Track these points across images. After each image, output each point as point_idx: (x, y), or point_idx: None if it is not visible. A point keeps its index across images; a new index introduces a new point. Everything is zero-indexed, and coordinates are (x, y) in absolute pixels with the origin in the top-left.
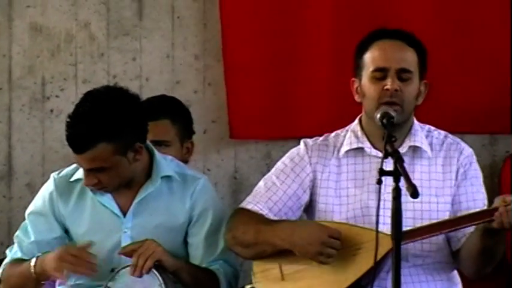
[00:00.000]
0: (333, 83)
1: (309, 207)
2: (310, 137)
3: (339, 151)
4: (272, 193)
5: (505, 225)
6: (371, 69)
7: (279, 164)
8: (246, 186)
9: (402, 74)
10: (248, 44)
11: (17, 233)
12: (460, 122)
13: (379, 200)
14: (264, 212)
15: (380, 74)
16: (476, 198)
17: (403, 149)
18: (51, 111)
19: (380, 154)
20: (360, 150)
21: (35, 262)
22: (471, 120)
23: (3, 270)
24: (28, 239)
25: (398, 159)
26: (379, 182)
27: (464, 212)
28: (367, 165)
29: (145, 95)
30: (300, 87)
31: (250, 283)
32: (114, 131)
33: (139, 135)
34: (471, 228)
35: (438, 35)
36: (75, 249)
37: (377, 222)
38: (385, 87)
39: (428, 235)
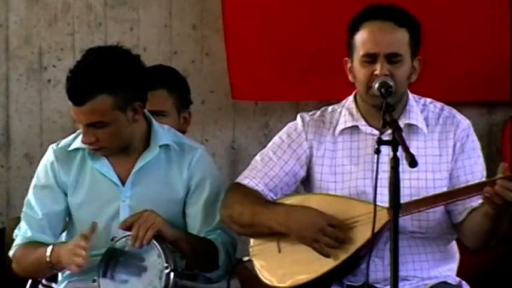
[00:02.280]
0: (332, 51)
1: (306, 181)
2: (308, 106)
3: (334, 129)
4: (269, 168)
5: (497, 204)
6: (361, 53)
7: (276, 139)
8: (244, 156)
9: (392, 58)
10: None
11: (24, 210)
12: (458, 91)
13: (377, 170)
14: (260, 187)
15: (369, 58)
16: (474, 171)
17: None
18: (49, 81)
19: (375, 132)
20: (355, 128)
21: (51, 251)
22: (469, 89)
23: (15, 250)
24: (37, 216)
25: (396, 129)
26: (378, 151)
27: (463, 185)
28: (363, 142)
29: None
30: (300, 53)
31: (248, 255)
32: (115, 84)
33: (139, 94)
34: (472, 202)
35: (436, 5)
36: (81, 240)
37: (375, 193)
38: (375, 73)
39: (424, 208)
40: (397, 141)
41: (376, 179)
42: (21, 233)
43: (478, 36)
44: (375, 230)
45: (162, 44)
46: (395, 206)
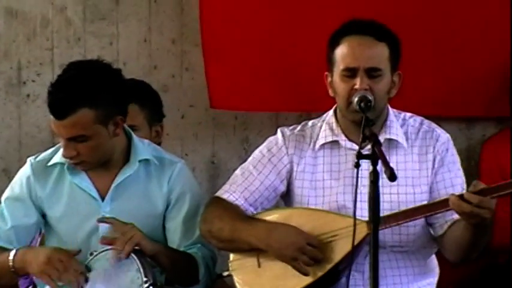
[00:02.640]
0: (313, 62)
1: (286, 196)
2: (288, 121)
3: (315, 143)
4: (249, 183)
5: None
6: (341, 67)
7: (256, 153)
8: (223, 171)
9: (372, 72)
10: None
11: None
12: (438, 106)
13: (356, 185)
14: (240, 202)
15: (349, 73)
16: (454, 184)
17: None
18: (28, 96)
19: (355, 146)
20: (335, 143)
21: (14, 256)
22: (448, 104)
23: None
24: (5, 225)
25: (376, 143)
26: (357, 165)
27: (442, 198)
28: (343, 157)
29: None
30: (280, 65)
31: (227, 270)
32: (96, 97)
33: (120, 108)
34: (453, 215)
35: (416, 20)
36: (65, 255)
37: (355, 206)
38: (355, 87)
39: (403, 221)
40: (377, 156)
41: (356, 193)
42: None
43: (457, 52)
44: (355, 243)
45: (142, 59)
46: (375, 219)
